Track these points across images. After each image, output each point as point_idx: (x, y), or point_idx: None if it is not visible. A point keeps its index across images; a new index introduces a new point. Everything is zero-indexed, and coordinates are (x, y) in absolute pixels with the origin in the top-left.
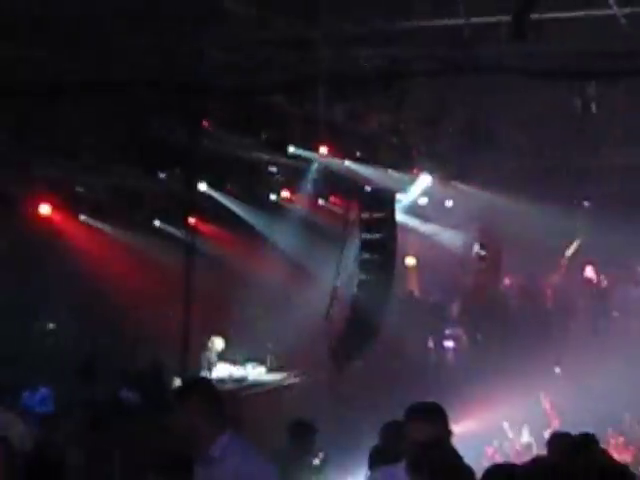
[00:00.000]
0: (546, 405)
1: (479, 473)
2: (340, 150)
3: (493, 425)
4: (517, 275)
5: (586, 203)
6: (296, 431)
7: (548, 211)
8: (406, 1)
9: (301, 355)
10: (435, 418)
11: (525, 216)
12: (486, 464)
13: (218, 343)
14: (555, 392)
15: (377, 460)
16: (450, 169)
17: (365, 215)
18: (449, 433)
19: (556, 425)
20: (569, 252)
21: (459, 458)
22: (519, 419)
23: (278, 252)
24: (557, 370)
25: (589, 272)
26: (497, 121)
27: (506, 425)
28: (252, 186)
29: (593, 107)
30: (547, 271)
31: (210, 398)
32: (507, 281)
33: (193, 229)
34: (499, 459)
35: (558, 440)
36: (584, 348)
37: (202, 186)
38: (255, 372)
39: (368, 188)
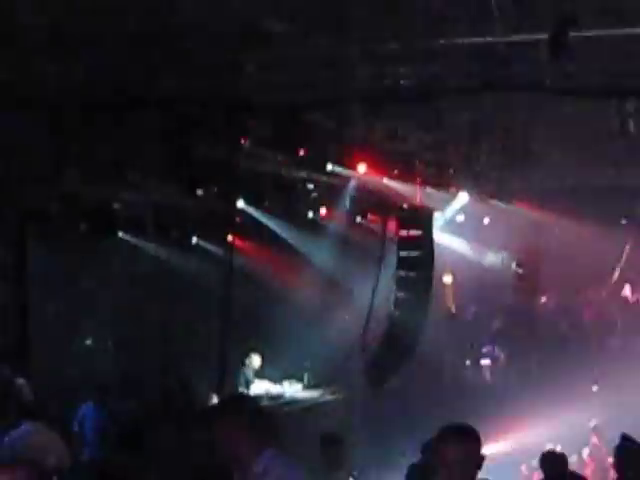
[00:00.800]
0: (589, 424)
1: None
2: (378, 168)
3: (529, 444)
4: (555, 293)
5: (624, 221)
6: (323, 443)
7: (586, 229)
8: (443, 19)
9: (338, 373)
10: (464, 441)
11: (563, 234)
12: None
13: (256, 360)
14: (593, 410)
15: (415, 478)
16: (488, 187)
17: (402, 233)
18: (480, 457)
19: (595, 443)
20: (616, 272)
21: None
22: (555, 437)
23: (315, 269)
24: (594, 388)
25: (627, 291)
26: (535, 139)
27: (542, 444)
28: (290, 203)
29: (631, 125)
30: (585, 289)
31: (252, 414)
32: (545, 299)
33: (231, 246)
34: (536, 478)
35: (551, 458)
36: (622, 366)
37: (240, 203)
38: (292, 389)
39: (405, 206)
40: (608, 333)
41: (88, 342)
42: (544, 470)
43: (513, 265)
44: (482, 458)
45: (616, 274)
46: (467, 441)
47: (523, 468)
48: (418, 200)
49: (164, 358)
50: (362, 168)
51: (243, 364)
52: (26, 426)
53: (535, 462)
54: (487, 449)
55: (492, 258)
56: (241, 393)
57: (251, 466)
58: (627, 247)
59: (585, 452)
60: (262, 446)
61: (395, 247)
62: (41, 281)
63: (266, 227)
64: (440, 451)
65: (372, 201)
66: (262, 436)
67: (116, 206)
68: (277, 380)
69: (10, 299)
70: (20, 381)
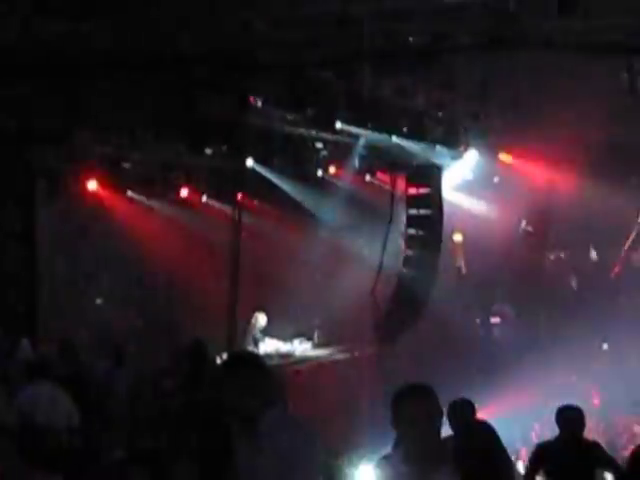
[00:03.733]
0: (585, 384)
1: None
2: (387, 126)
3: (540, 402)
4: (565, 251)
5: (635, 180)
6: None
7: (595, 186)
8: None
9: (348, 331)
10: (421, 398)
11: (573, 192)
12: (535, 440)
13: (261, 318)
14: (600, 369)
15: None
16: (497, 144)
17: (411, 191)
18: (440, 412)
19: (595, 404)
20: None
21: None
22: (565, 395)
23: (324, 228)
24: (604, 347)
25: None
26: (545, 96)
27: (551, 401)
28: (299, 162)
29: None
30: (596, 247)
31: (258, 372)
32: (554, 257)
33: (240, 205)
34: (547, 435)
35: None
36: (633, 326)
37: (249, 162)
38: (302, 347)
39: (415, 164)
40: (620, 291)
41: (98, 302)
42: (560, 425)
43: (522, 223)
44: (441, 413)
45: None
46: (424, 398)
47: (537, 426)
48: (427, 158)
49: (173, 317)
50: (371, 126)
51: (249, 323)
52: (34, 387)
53: (545, 418)
54: (497, 406)
55: (501, 216)
56: (246, 350)
57: (257, 424)
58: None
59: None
60: (269, 405)
61: (404, 205)
62: (50, 240)
63: (275, 186)
64: (399, 410)
65: (381, 159)
66: (269, 394)
67: (125, 165)
68: (287, 338)
69: (19, 258)
70: (23, 341)
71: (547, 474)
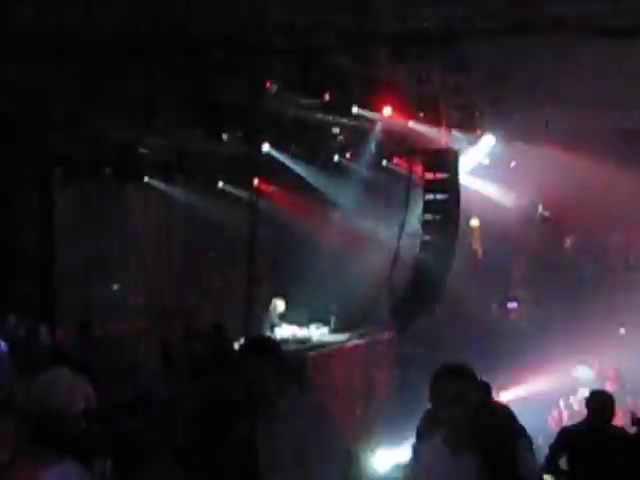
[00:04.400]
0: (597, 367)
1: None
2: (403, 111)
3: (557, 386)
4: (582, 235)
5: None
6: None
7: (613, 171)
8: None
9: (364, 316)
10: (458, 379)
11: (590, 176)
12: (553, 424)
13: (279, 305)
14: (618, 353)
15: (428, 421)
16: (514, 129)
17: (428, 176)
18: (477, 395)
19: (614, 387)
20: None
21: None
22: (579, 380)
23: (341, 213)
24: (622, 331)
25: None
26: (561, 80)
27: (568, 386)
28: (315, 147)
29: None
30: (613, 231)
31: (274, 356)
32: (571, 241)
33: (257, 190)
34: (565, 418)
35: (599, 398)
36: None
37: (265, 147)
38: (318, 333)
39: (431, 149)
40: (635, 276)
41: (115, 287)
42: (590, 410)
43: (539, 208)
44: (479, 395)
45: None
46: (461, 379)
47: (555, 411)
48: (444, 143)
49: (190, 303)
50: (388, 111)
51: (267, 309)
52: (50, 372)
53: (562, 403)
54: (514, 390)
55: (518, 201)
56: (263, 335)
57: (275, 407)
58: None
59: None
60: (285, 389)
61: (421, 190)
62: (67, 227)
63: (292, 171)
64: (435, 391)
65: (398, 144)
66: (285, 378)
67: (142, 151)
68: (304, 324)
69: (36, 245)
70: (42, 327)
71: (570, 459)
